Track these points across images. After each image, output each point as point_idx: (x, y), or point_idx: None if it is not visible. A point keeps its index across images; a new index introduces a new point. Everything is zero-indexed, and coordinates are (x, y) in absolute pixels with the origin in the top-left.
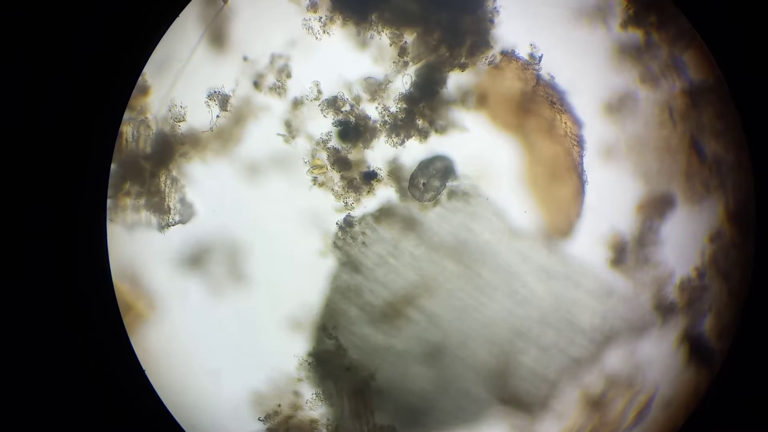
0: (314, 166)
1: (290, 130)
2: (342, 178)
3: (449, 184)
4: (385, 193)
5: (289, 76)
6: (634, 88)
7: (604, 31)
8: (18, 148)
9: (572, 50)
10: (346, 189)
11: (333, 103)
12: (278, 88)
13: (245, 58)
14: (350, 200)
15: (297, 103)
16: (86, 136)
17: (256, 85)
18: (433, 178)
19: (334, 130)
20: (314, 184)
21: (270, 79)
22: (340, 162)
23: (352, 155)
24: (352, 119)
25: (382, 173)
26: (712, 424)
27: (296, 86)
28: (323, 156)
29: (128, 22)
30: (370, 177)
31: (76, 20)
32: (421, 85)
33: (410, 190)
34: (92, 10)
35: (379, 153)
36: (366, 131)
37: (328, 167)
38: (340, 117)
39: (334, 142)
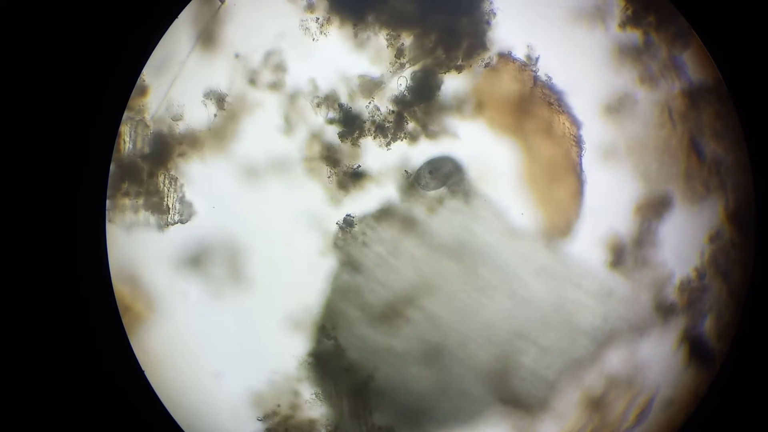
0: (309, 157)
1: (289, 124)
2: (332, 172)
3: (455, 183)
4: (385, 193)
5: (284, 71)
6: (633, 88)
7: (603, 31)
8: (18, 148)
9: (571, 51)
10: (336, 183)
11: (330, 97)
12: (276, 85)
13: (238, 55)
14: (339, 195)
15: (294, 97)
16: (86, 136)
17: (252, 82)
18: (440, 172)
19: (335, 114)
20: (307, 169)
21: (267, 76)
22: (332, 156)
23: (344, 150)
24: (351, 108)
25: (372, 172)
26: (712, 425)
27: (293, 82)
28: (317, 147)
29: (128, 22)
30: (358, 176)
31: (76, 20)
32: (416, 87)
33: (416, 180)
34: (92, 10)
35: (372, 151)
36: (362, 124)
37: (321, 157)
38: (340, 103)
39: (329, 136)
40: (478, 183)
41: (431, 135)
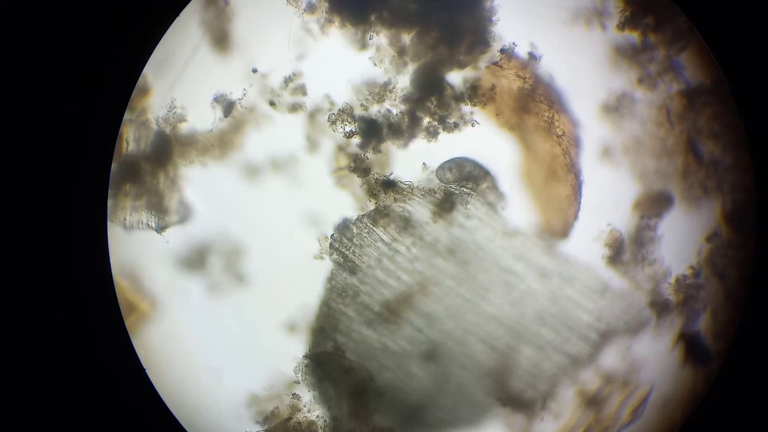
0: (338, 168)
1: (310, 141)
2: (362, 182)
3: (475, 187)
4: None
5: (305, 94)
6: (631, 89)
7: (601, 32)
8: (18, 148)
9: (569, 51)
10: (367, 192)
11: (345, 111)
12: (298, 106)
13: (255, 70)
14: (371, 203)
15: (312, 115)
16: (86, 136)
17: (272, 104)
18: (462, 170)
19: (352, 127)
20: (337, 184)
21: (268, 84)
22: (360, 167)
23: (372, 159)
24: (370, 118)
25: (403, 182)
26: (709, 424)
27: (300, 89)
28: (344, 161)
29: (128, 22)
30: (389, 185)
31: (76, 20)
32: (419, 85)
33: (438, 173)
34: (93, 10)
35: (394, 154)
36: (380, 131)
37: (350, 170)
38: (359, 115)
39: (353, 148)
40: (508, 193)
41: (444, 130)
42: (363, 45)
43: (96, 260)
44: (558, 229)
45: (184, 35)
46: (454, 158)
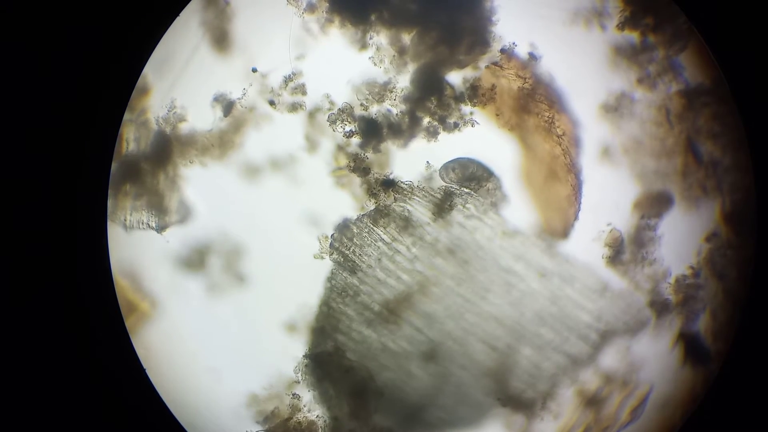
0: (337, 168)
1: (309, 140)
2: (362, 182)
3: (478, 188)
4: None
5: (304, 93)
6: (630, 89)
7: (601, 32)
8: (18, 147)
9: (569, 51)
10: (367, 192)
11: (344, 111)
12: (297, 105)
13: (254, 70)
14: (370, 203)
15: (312, 114)
16: (86, 136)
17: (272, 104)
18: (465, 171)
19: (352, 127)
20: (337, 184)
21: (266, 84)
22: (360, 167)
23: (372, 159)
24: (370, 117)
25: (403, 181)
26: (709, 424)
27: (299, 89)
28: (344, 160)
29: (128, 22)
30: (389, 185)
31: (76, 20)
32: (419, 85)
33: (441, 172)
34: (92, 10)
35: (393, 154)
36: (380, 131)
37: (349, 170)
38: (359, 115)
39: (353, 147)
40: (511, 196)
41: (444, 130)
42: (363, 45)
43: (96, 260)
44: (558, 229)
45: (184, 35)
46: (458, 158)
